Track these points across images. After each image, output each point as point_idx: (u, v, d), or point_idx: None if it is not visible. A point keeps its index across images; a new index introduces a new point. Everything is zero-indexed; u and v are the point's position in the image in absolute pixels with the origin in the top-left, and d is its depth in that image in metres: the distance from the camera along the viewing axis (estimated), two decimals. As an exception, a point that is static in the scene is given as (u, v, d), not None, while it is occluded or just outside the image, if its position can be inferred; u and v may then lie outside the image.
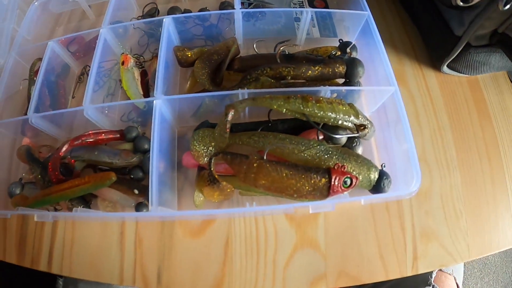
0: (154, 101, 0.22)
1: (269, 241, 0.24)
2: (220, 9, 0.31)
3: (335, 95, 0.23)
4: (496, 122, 0.32)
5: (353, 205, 0.26)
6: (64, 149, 0.24)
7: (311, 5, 0.32)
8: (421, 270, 0.25)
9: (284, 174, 0.20)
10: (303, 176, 0.20)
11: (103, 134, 0.25)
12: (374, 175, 0.23)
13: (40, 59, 0.31)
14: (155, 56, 0.29)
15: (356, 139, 0.24)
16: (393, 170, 0.24)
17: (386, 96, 0.24)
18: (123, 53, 0.29)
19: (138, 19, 0.32)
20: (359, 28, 0.28)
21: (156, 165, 0.20)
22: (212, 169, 0.22)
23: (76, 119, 0.28)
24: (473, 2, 0.23)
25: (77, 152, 0.24)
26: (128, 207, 0.24)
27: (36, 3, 0.33)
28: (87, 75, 0.31)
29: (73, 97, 0.31)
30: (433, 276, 0.33)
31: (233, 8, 0.26)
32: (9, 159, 0.29)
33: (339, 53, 0.27)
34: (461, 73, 0.32)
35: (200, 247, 0.24)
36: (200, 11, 0.31)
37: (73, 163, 0.25)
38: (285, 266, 0.24)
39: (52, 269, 0.27)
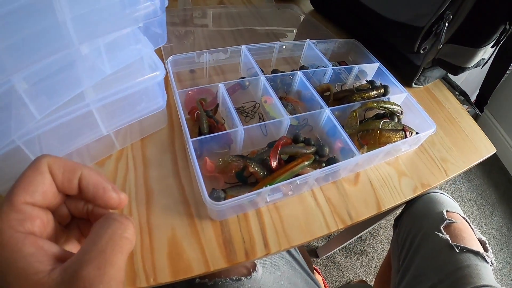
0: (325, 110, 0.55)
1: (387, 177, 0.61)
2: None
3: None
4: (446, 105, 0.83)
5: (412, 152, 0.63)
6: (280, 146, 0.51)
7: (339, 65, 0.75)
8: (450, 174, 0.63)
9: (390, 134, 0.57)
10: (396, 134, 0.58)
11: (287, 139, 0.54)
12: (415, 132, 0.61)
13: (202, 99, 0.58)
14: (287, 97, 0.62)
15: (399, 116, 0.63)
16: (420, 129, 0.63)
17: (403, 98, 0.66)
18: (263, 96, 0.60)
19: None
20: (373, 73, 0.73)
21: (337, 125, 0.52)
22: (359, 140, 0.55)
23: (247, 136, 0.56)
24: (427, 49, 0.69)
25: (282, 149, 0.52)
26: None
27: (171, 58, 0.60)
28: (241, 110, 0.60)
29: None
30: (445, 214, 0.68)
31: (323, 66, 0.64)
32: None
33: (370, 86, 0.69)
34: (420, 85, 0.80)
35: (360, 190, 0.59)
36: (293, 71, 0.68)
37: (279, 156, 0.51)
38: (399, 186, 0.59)
39: (271, 250, 0.45)
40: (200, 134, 0.53)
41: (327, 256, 1.41)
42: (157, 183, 0.49)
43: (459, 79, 1.78)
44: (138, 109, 0.49)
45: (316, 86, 0.66)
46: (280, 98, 0.63)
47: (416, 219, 0.72)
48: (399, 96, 0.69)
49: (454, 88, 0.89)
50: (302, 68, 0.74)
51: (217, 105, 0.61)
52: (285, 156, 0.55)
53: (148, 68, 0.48)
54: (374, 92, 0.68)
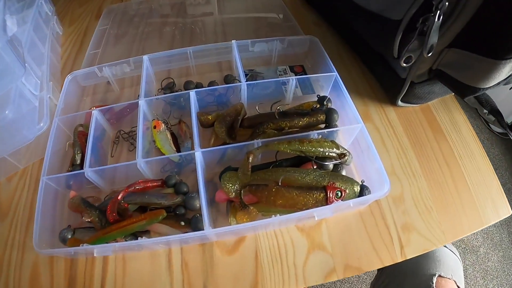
0: (196, 153, 0.38)
1: (288, 249, 0.40)
2: (225, 80, 0.51)
3: (320, 136, 0.42)
4: (449, 134, 0.52)
5: (346, 214, 0.42)
6: (120, 195, 0.39)
7: (292, 70, 0.53)
8: (409, 256, 0.40)
9: (294, 194, 0.37)
10: (307, 193, 0.37)
11: (149, 183, 0.40)
12: (357, 188, 0.40)
13: (81, 125, 0.47)
14: (182, 121, 0.46)
15: (339, 165, 0.42)
16: (370, 183, 0.41)
17: (356, 131, 0.43)
18: (154, 119, 0.46)
19: (159, 92, 0.51)
20: (330, 85, 0.48)
21: (204, 196, 0.36)
22: (242, 197, 0.38)
23: (118, 172, 0.43)
24: (412, 61, 0.43)
25: (130, 197, 0.39)
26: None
27: (69, 77, 0.50)
28: (122, 137, 0.48)
29: (112, 156, 0.47)
30: (434, 281, 0.47)
31: (238, 81, 0.45)
32: (53, 209, 0.43)
33: (318, 105, 0.46)
34: (414, 104, 0.53)
35: (236, 261, 0.39)
36: (209, 84, 0.50)
37: (126, 206, 0.39)
38: (303, 266, 0.39)
39: None
40: (73, 164, 0.45)
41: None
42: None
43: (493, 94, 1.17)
44: (19, 138, 0.45)
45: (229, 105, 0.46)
46: (179, 122, 0.47)
47: (398, 274, 0.51)
48: (350, 128, 0.43)
49: (481, 103, 0.49)
50: (226, 77, 0.52)
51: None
52: (134, 206, 0.41)
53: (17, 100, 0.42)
54: (306, 119, 0.42)
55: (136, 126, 0.45)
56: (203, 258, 0.39)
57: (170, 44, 0.63)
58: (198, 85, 0.51)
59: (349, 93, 0.46)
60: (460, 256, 0.63)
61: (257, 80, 0.47)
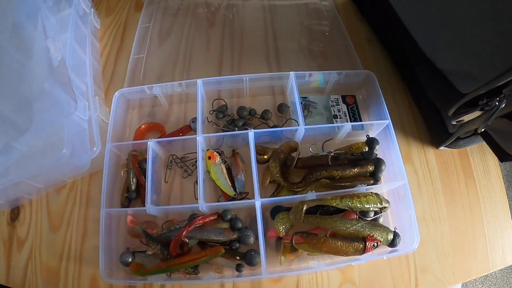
0: (256, 202, 0.46)
1: (324, 281, 0.50)
2: (278, 109, 0.55)
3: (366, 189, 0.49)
4: (479, 181, 0.60)
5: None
6: (184, 233, 0.47)
7: (344, 101, 0.57)
8: None
9: (339, 244, 0.46)
10: (349, 244, 0.46)
11: (207, 218, 0.49)
12: (390, 236, 0.49)
13: (134, 150, 0.52)
14: (236, 153, 0.52)
15: (379, 215, 0.51)
16: (402, 230, 0.51)
17: (399, 185, 0.51)
18: (208, 149, 0.51)
19: (210, 113, 0.55)
20: (381, 129, 0.54)
21: (262, 237, 0.44)
22: (293, 243, 0.47)
23: (172, 199, 0.50)
24: (463, 121, 0.49)
25: (191, 233, 0.48)
26: (230, 267, 0.49)
27: (117, 95, 0.53)
28: (174, 162, 0.54)
29: (166, 182, 0.53)
30: None
31: (295, 122, 0.50)
32: (110, 231, 0.50)
33: (367, 148, 0.53)
34: (454, 149, 0.60)
35: None
36: (263, 113, 0.54)
37: (187, 241, 0.48)
38: None
39: None
40: (128, 190, 0.52)
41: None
42: (93, 222, 0.53)
43: None
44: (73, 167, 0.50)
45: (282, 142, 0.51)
46: (233, 154, 0.52)
47: None
48: (391, 184, 0.50)
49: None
50: (280, 106, 0.56)
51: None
52: (194, 241, 0.50)
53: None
54: (356, 170, 0.48)
55: (189, 153, 0.50)
56: (252, 286, 0.49)
57: (219, 50, 0.64)
58: (252, 112, 0.55)
59: (394, 131, 0.51)
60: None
61: (310, 110, 0.52)
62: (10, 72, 0.43)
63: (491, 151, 0.62)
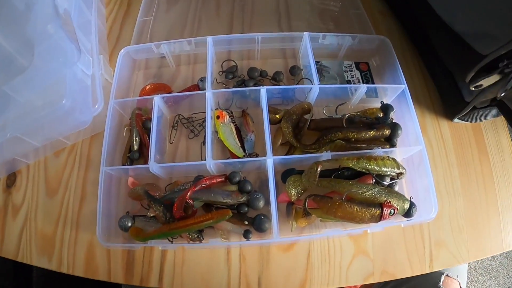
0: (267, 160, 0.43)
1: (337, 252, 0.47)
2: (290, 72, 0.53)
3: (383, 153, 0.47)
4: (492, 158, 0.58)
5: (391, 226, 0.50)
6: (189, 193, 0.44)
7: (357, 67, 0.55)
8: (435, 268, 0.49)
9: (355, 209, 0.43)
10: (366, 210, 0.43)
11: (214, 179, 0.46)
12: (406, 205, 0.47)
13: (138, 109, 0.50)
14: (246, 113, 0.49)
15: (395, 181, 0.48)
16: (418, 200, 0.48)
17: (416, 151, 0.48)
18: (217, 108, 0.49)
19: (219, 74, 0.52)
20: (396, 94, 0.51)
21: (274, 199, 0.41)
22: (306, 206, 0.44)
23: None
24: (482, 87, 0.47)
25: (197, 194, 0.45)
26: (238, 233, 0.46)
27: (123, 52, 0.51)
28: (181, 122, 0.51)
29: (171, 143, 0.50)
30: (442, 280, 0.57)
31: (309, 80, 0.47)
32: (109, 195, 0.47)
33: (382, 114, 0.51)
34: (468, 121, 0.58)
35: (289, 259, 0.47)
36: (275, 74, 0.52)
37: (192, 202, 0.45)
38: (348, 268, 0.47)
39: (163, 284, 0.46)
40: (130, 150, 0.49)
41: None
42: (92, 186, 0.50)
43: None
44: (74, 123, 0.46)
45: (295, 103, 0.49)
46: (244, 114, 0.50)
47: None
48: (411, 150, 0.48)
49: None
50: (292, 68, 0.54)
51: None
52: (200, 203, 0.45)
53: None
54: (372, 133, 0.46)
55: (196, 113, 0.48)
56: (260, 253, 0.46)
57: (230, 14, 0.61)
58: (263, 73, 0.53)
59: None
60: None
61: (323, 74, 0.50)
62: (14, 11, 0.40)
63: (505, 126, 0.61)
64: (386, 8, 0.66)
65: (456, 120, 0.56)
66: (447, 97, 0.55)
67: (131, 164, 0.48)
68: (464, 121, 0.57)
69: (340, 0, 0.64)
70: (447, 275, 0.58)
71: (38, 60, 0.40)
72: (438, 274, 0.57)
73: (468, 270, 1.12)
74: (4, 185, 0.52)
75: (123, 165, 0.48)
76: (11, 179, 0.51)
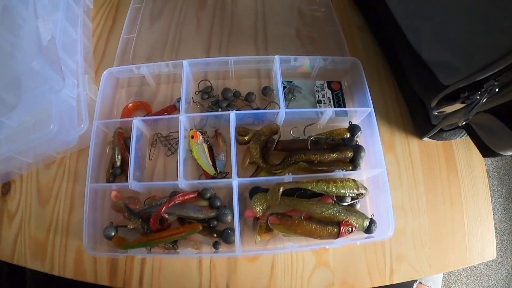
0: (233, 181, 0.47)
1: (299, 263, 0.51)
2: (263, 92, 0.56)
3: (343, 175, 0.50)
4: (462, 174, 0.60)
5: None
6: (163, 209, 0.48)
7: (329, 87, 0.57)
8: (396, 281, 0.52)
9: (313, 227, 0.47)
10: (323, 228, 0.47)
11: (187, 196, 0.50)
12: (366, 223, 0.50)
13: (120, 128, 0.54)
14: (218, 134, 0.53)
15: (356, 201, 0.51)
16: (380, 217, 0.51)
17: (377, 172, 0.51)
18: (191, 129, 0.52)
19: (196, 94, 0.56)
20: (364, 116, 0.54)
21: (237, 217, 0.45)
22: (268, 222, 0.48)
23: (155, 178, 0.52)
24: (445, 113, 0.49)
25: (171, 209, 0.49)
26: (208, 244, 0.50)
27: (106, 74, 0.54)
28: (159, 141, 0.55)
29: (150, 159, 0.55)
30: (414, 287, 0.61)
31: (277, 105, 0.50)
32: (95, 206, 0.52)
33: (348, 135, 0.53)
34: (438, 140, 0.60)
35: (255, 268, 0.51)
36: (247, 95, 0.55)
37: (166, 217, 0.49)
38: (309, 278, 0.51)
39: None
40: (113, 167, 0.53)
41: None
42: (79, 197, 0.54)
43: None
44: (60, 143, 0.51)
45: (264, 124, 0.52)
46: (216, 135, 0.53)
47: None
48: (370, 171, 0.51)
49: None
50: (264, 89, 0.57)
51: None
52: (174, 217, 0.50)
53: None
54: (335, 155, 0.49)
55: (173, 132, 0.52)
56: (228, 262, 0.51)
57: (209, 32, 0.64)
58: (236, 94, 0.56)
59: (378, 118, 0.52)
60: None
61: (295, 94, 0.53)
62: (0, 52, 0.44)
63: (476, 145, 0.62)
64: (364, 23, 0.67)
65: (425, 139, 0.58)
66: (416, 117, 0.57)
67: (114, 179, 0.52)
68: (434, 139, 0.59)
69: (317, 17, 0.65)
70: (420, 282, 0.62)
71: (25, 93, 0.43)
72: (411, 282, 0.60)
73: (452, 272, 1.15)
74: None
75: (107, 180, 0.52)
76: (6, 188, 0.56)
